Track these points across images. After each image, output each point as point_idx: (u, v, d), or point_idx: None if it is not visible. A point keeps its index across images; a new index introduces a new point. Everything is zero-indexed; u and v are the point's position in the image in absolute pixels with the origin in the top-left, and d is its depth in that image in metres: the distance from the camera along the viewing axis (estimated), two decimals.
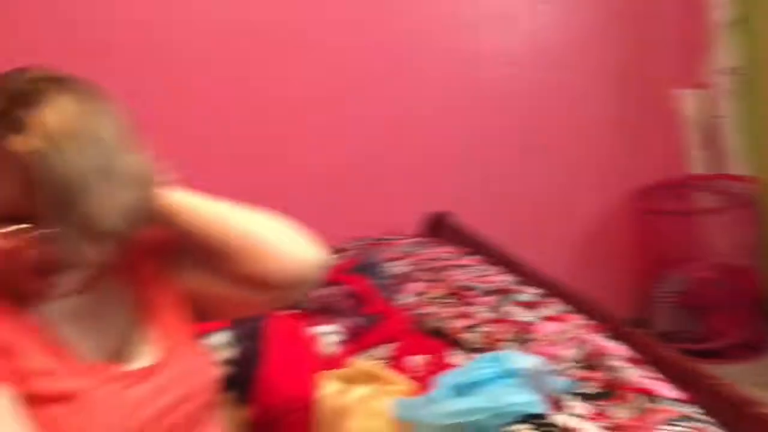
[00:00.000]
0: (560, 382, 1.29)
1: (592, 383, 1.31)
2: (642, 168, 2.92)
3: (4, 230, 0.79)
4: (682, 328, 2.76)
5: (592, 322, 1.54)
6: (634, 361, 1.36)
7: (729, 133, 2.86)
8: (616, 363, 1.34)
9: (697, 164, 2.94)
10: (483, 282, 1.79)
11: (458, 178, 2.69)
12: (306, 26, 2.42)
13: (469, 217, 2.48)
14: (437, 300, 1.74)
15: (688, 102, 2.90)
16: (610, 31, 2.80)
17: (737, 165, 2.86)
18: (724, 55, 2.79)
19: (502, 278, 1.83)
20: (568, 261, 2.87)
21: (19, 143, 0.77)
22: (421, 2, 2.55)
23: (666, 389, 1.26)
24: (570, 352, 1.41)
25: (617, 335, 1.49)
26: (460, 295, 1.71)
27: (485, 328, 1.51)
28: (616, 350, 1.39)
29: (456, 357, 1.43)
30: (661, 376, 1.32)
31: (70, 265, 0.85)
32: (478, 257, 2.05)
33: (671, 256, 2.84)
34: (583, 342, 1.44)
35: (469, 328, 1.52)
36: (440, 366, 1.36)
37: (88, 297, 0.93)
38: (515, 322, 1.52)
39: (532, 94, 2.73)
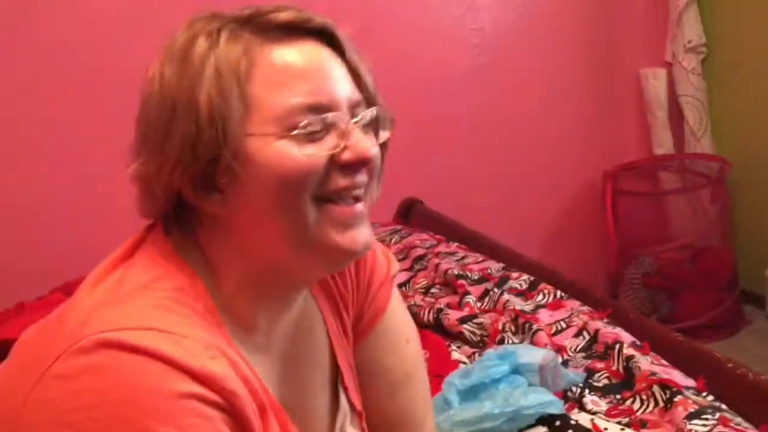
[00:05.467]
0: (572, 375, 1.21)
1: (605, 374, 1.23)
2: (610, 149, 2.88)
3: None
4: (652, 308, 2.75)
5: (588, 308, 1.48)
6: (641, 349, 1.30)
7: (694, 111, 2.84)
8: (627, 351, 1.26)
9: (664, 144, 2.92)
10: (469, 270, 1.70)
11: (425, 163, 2.59)
12: None
13: (440, 203, 2.40)
14: (424, 290, 1.64)
15: (654, 81, 2.87)
16: (576, 10, 2.74)
17: (703, 144, 2.85)
18: (688, 33, 2.76)
19: (487, 265, 1.74)
20: (538, 244, 2.82)
21: None
22: None
23: (681, 378, 1.19)
24: (575, 341, 1.34)
25: (616, 320, 1.42)
26: (450, 284, 1.62)
27: (483, 319, 1.42)
28: (622, 337, 1.32)
29: (457, 351, 1.34)
30: (669, 363, 1.26)
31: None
32: (456, 244, 1.96)
33: (641, 237, 2.83)
34: (586, 329, 1.37)
35: (466, 319, 1.43)
36: (445, 362, 1.27)
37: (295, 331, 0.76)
38: (512, 311, 1.44)
39: (497, 75, 2.65)
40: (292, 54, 0.64)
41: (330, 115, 0.64)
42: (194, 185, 0.63)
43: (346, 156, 0.64)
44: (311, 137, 0.63)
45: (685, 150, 2.90)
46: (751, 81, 2.65)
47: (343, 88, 0.66)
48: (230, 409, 0.58)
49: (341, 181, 0.65)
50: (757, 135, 2.68)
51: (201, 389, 0.56)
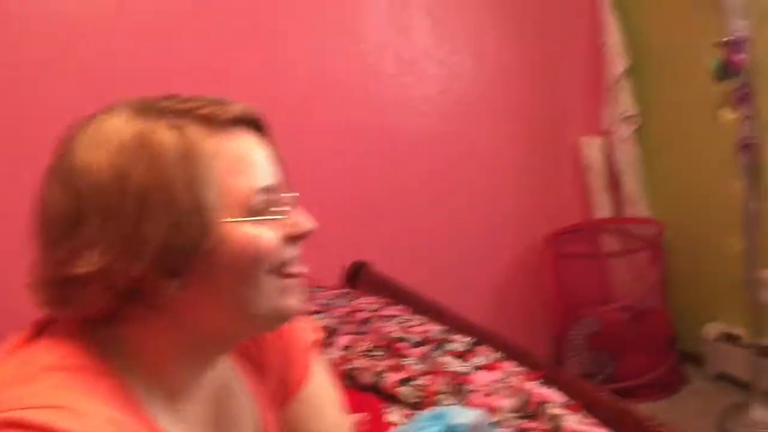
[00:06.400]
0: None
1: None
2: (553, 213, 2.99)
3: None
4: (596, 369, 2.81)
5: (524, 369, 1.52)
6: (571, 408, 1.35)
7: (630, 177, 2.98)
8: (555, 411, 1.31)
9: (603, 208, 3.04)
10: (411, 332, 1.74)
11: (375, 227, 2.65)
12: (209, 69, 2.35)
13: (388, 266, 2.46)
14: (366, 353, 1.68)
15: (593, 149, 3.01)
16: (519, 81, 2.88)
17: (640, 208, 2.98)
18: (623, 104, 2.92)
19: (429, 327, 1.79)
20: (485, 307, 2.88)
21: None
22: (332, 51, 2.53)
23: None
24: (508, 401, 1.38)
25: (551, 381, 1.47)
26: (390, 347, 1.66)
27: (420, 381, 1.46)
28: (552, 397, 1.37)
29: (393, 413, 1.37)
30: (597, 421, 1.31)
31: None
32: (401, 306, 2.01)
33: (584, 299, 2.91)
34: (519, 390, 1.41)
35: (404, 381, 1.46)
36: (378, 424, 1.29)
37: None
38: (449, 373, 1.48)
39: (444, 143, 2.76)
40: (243, 142, 0.70)
41: (281, 195, 0.72)
42: (156, 274, 0.64)
43: (296, 230, 0.72)
44: (269, 217, 0.70)
45: (623, 214, 3.03)
46: (682, 149, 2.80)
47: (277, 169, 0.74)
48: None
49: (291, 252, 0.72)
50: (689, 200, 2.82)
51: None
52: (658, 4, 2.75)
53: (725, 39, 2.24)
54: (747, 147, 2.32)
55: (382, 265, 2.45)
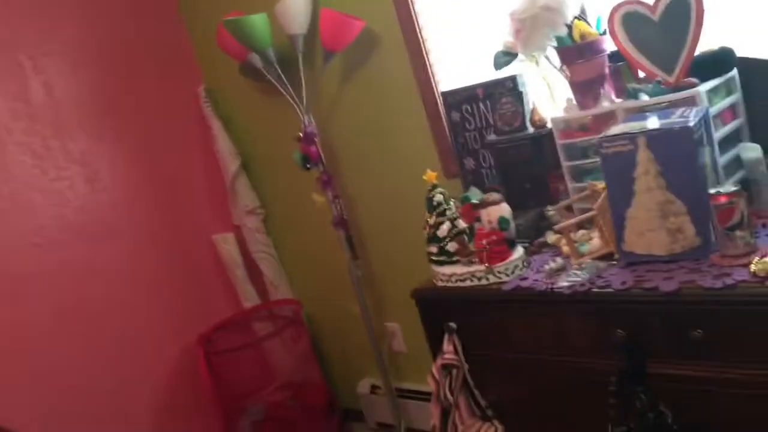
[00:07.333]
0: None
1: None
2: (203, 313, 3.06)
3: None
4: None
5: None
6: None
7: (268, 264, 3.18)
8: None
9: (250, 297, 3.20)
10: None
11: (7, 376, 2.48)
12: None
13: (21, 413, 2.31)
14: None
15: (226, 245, 3.16)
16: (140, 197, 2.92)
17: (282, 290, 3.19)
18: (244, 198, 3.12)
19: None
20: (148, 420, 2.84)
21: None
22: None
23: None
24: None
25: None
26: None
27: None
28: None
29: None
30: None
31: None
32: None
33: (248, 387, 3.00)
34: None
35: None
36: None
37: None
38: None
39: (68, 269, 2.66)
40: None
41: None
42: None
43: None
44: None
45: (268, 299, 3.21)
46: (302, 231, 3.07)
47: None
48: None
49: None
50: (318, 275, 3.10)
51: None
52: (250, 105, 3.01)
53: (299, 134, 2.56)
54: (340, 223, 2.65)
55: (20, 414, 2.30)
